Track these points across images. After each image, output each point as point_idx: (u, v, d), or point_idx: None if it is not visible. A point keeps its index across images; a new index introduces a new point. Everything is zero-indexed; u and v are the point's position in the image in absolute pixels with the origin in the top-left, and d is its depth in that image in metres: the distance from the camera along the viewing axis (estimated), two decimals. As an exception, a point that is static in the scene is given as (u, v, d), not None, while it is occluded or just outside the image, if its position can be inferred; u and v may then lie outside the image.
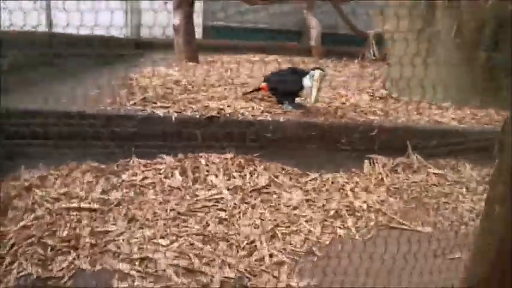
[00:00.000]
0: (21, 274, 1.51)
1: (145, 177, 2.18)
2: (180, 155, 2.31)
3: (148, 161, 2.30)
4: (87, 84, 2.94)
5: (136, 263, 1.58)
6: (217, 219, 1.85)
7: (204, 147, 2.32)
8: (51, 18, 4.36)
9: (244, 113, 2.44)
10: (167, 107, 2.46)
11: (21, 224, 1.81)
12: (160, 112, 2.36)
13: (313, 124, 2.50)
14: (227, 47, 5.83)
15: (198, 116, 2.35)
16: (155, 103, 2.54)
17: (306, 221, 1.90)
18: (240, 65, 4.36)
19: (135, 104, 2.50)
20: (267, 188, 2.16)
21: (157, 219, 1.84)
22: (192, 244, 1.66)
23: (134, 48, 6.19)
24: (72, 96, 2.52)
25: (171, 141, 2.32)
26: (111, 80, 3.08)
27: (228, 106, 2.52)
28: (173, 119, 2.33)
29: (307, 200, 2.08)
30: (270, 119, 2.42)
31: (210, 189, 2.08)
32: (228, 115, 2.39)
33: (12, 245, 1.68)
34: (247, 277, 1.52)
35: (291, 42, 6.87)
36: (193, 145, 2.33)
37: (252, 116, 2.42)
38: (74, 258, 1.60)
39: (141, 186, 2.12)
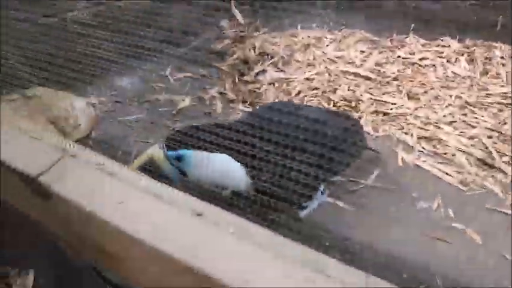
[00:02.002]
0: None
1: (424, 58, 1.98)
2: (469, 41, 2.00)
3: (428, 42, 2.08)
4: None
5: (422, 140, 1.49)
6: (517, 120, 1.57)
7: (503, 35, 1.94)
8: None
9: None
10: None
11: (305, 75, 1.90)
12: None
13: None
14: None
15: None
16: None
17: None
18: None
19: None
20: None
21: (440, 103, 1.67)
22: (490, 137, 1.46)
23: None
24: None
25: (459, 24, 2.01)
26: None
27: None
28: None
29: None
30: None
31: (503, 86, 1.77)
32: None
33: (299, 92, 1.78)
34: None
35: None
36: (488, 32, 1.97)
37: None
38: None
39: (419, 65, 1.95)
